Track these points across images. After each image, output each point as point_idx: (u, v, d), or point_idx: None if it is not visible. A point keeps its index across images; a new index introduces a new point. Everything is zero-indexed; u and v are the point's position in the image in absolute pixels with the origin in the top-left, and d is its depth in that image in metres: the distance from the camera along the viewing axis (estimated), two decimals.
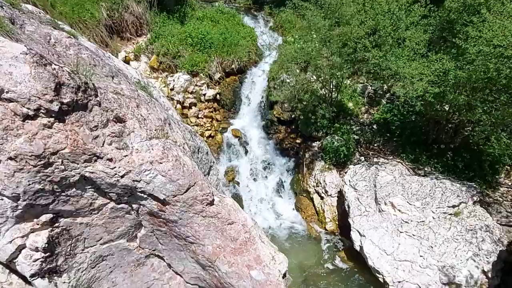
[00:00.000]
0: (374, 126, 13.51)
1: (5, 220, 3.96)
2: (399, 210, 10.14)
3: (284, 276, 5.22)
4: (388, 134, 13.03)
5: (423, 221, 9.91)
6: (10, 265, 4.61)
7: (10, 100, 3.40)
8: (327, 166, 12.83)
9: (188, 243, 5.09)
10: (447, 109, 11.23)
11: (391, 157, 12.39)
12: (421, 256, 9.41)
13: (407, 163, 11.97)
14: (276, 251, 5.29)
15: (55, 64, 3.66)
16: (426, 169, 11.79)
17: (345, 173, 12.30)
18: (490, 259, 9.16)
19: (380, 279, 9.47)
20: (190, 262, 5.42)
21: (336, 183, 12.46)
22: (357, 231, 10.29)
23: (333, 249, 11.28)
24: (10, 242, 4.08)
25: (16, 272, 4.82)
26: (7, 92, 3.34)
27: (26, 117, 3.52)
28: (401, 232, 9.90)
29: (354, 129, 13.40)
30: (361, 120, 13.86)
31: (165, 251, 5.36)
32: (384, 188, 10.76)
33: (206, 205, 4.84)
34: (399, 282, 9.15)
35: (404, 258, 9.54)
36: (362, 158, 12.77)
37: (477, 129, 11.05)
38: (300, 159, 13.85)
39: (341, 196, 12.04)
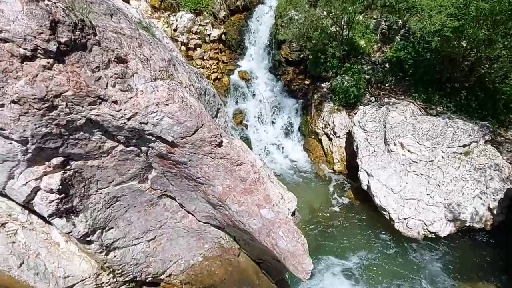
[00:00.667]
0: (387, 65, 13.01)
1: (17, 164, 4.01)
2: (408, 150, 10.11)
3: (293, 214, 5.35)
4: (400, 73, 12.59)
5: (432, 161, 9.90)
6: (28, 206, 4.79)
7: (5, 40, 3.23)
8: (336, 107, 12.63)
9: (198, 184, 5.17)
10: (464, 45, 10.66)
11: (403, 97, 12.09)
12: (427, 194, 9.55)
13: (419, 103, 11.70)
14: (285, 190, 5.37)
15: (48, 0, 3.42)
16: (438, 108, 11.53)
17: (355, 114, 12.13)
18: (497, 196, 9.27)
19: (386, 216, 9.75)
20: (201, 202, 5.56)
21: (345, 124, 12.35)
22: (365, 171, 10.38)
23: (340, 189, 11.51)
24: (25, 184, 4.17)
25: (35, 212, 5.02)
26: (1, 32, 3.17)
27: (24, 58, 3.38)
28: (409, 172, 9.97)
29: (365, 68, 12.94)
30: (373, 59, 13.32)
31: (177, 191, 5.47)
32: (394, 129, 10.63)
33: (215, 146, 4.81)
34: (404, 219, 9.41)
35: (411, 196, 9.70)
36: (373, 99, 12.49)
37: (495, 66, 10.58)
38: (309, 100, 13.62)
39: (349, 137, 12.00)
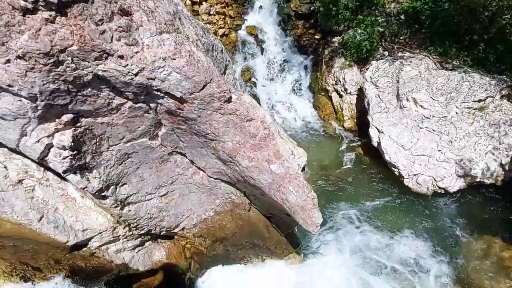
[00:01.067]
0: (402, 17, 12.40)
1: (28, 121, 4.04)
2: (421, 106, 9.90)
3: (303, 169, 5.38)
4: (416, 26, 12.02)
5: (445, 117, 9.72)
6: (43, 163, 4.89)
7: None
8: (347, 62, 12.27)
9: (208, 140, 5.17)
10: None
11: (418, 51, 11.64)
12: (439, 150, 9.48)
13: (434, 56, 11.27)
14: (295, 146, 5.36)
15: None
16: (454, 62, 11.12)
17: (367, 69, 11.79)
18: (510, 152, 9.15)
19: (395, 172, 9.78)
20: (212, 158, 5.60)
21: (356, 80, 12.07)
22: (376, 127, 10.28)
23: (350, 146, 11.49)
24: (38, 141, 4.23)
25: (50, 169, 5.14)
26: None
27: (25, 11, 3.28)
28: (421, 128, 9.84)
29: (379, 21, 12.37)
30: (388, 10, 12.68)
31: (187, 148, 5.51)
32: (408, 84, 10.35)
33: (224, 102, 4.75)
34: (414, 175, 9.43)
35: (422, 153, 9.65)
36: (386, 53, 12.06)
37: None
38: (319, 56, 13.23)
39: (360, 93, 11.76)
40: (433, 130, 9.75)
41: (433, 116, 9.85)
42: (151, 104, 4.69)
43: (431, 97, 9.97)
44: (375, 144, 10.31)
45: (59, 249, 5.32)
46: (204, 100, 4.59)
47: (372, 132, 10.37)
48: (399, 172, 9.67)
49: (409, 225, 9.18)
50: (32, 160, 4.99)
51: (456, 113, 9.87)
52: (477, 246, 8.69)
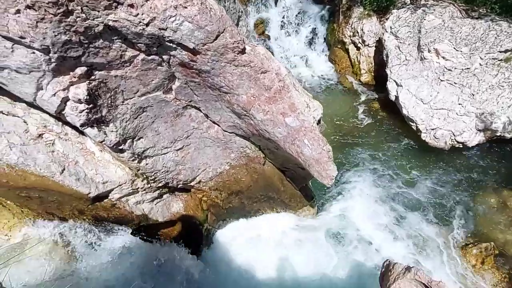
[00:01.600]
0: None
1: (43, 74, 4.03)
2: (443, 57, 9.47)
3: (318, 122, 5.31)
4: None
5: (468, 68, 9.30)
6: (61, 117, 4.96)
7: None
8: (366, 12, 11.65)
9: (222, 93, 5.11)
10: None
11: None
12: (459, 104, 9.19)
13: (459, 4, 10.56)
14: (311, 98, 5.25)
15: None
16: (481, 10, 10.42)
17: (387, 19, 11.20)
18: None
19: (413, 127, 9.60)
20: (226, 112, 5.57)
21: (375, 31, 11.52)
22: (394, 81, 9.95)
23: (366, 100, 11.25)
24: (54, 95, 4.25)
25: (68, 124, 5.22)
26: None
27: None
28: (441, 81, 9.48)
29: None
30: None
31: (201, 102, 5.47)
32: (430, 34, 9.83)
33: (238, 53, 4.62)
34: (432, 129, 9.24)
35: (441, 106, 9.38)
36: (408, 1, 11.36)
37: None
38: (336, 6, 12.58)
39: (379, 45, 11.28)
40: (455, 83, 9.39)
41: (455, 68, 9.43)
42: (163, 56, 4.60)
43: (454, 48, 9.48)
44: (393, 98, 10.04)
45: (82, 200, 5.54)
46: (217, 51, 4.47)
47: (390, 85, 10.07)
48: (416, 127, 9.49)
49: (424, 178, 9.17)
50: (50, 115, 5.06)
51: (480, 64, 9.41)
52: (492, 201, 8.67)
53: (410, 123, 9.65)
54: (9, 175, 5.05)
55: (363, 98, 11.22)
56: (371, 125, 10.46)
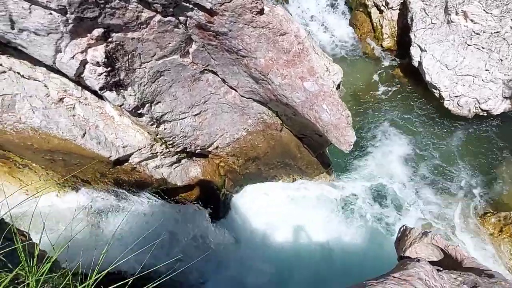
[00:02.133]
0: None
1: (61, 36, 4.03)
2: (472, 20, 8.95)
3: (338, 87, 5.19)
4: None
5: (497, 32, 8.79)
6: (80, 82, 5.01)
7: None
8: None
9: (240, 57, 5.02)
10: None
11: None
12: (486, 70, 8.78)
13: None
14: (331, 62, 5.10)
15: None
16: None
17: None
18: None
19: (436, 94, 9.29)
20: (243, 76, 5.49)
21: None
22: (418, 46, 9.53)
23: (388, 66, 10.87)
24: (72, 57, 4.26)
25: (87, 88, 5.27)
26: None
27: None
28: (468, 45, 9.02)
29: None
30: None
31: (218, 66, 5.40)
32: None
33: (256, 14, 4.47)
34: (456, 96, 8.93)
35: (467, 72, 8.99)
36: None
37: None
38: None
39: (403, 8, 10.72)
40: (482, 48, 8.92)
41: (484, 32, 8.93)
42: (180, 18, 4.50)
43: (484, 10, 8.93)
44: (416, 64, 9.66)
45: (103, 164, 5.69)
46: (235, 11, 4.34)
47: (414, 50, 9.66)
48: (439, 94, 9.17)
49: (446, 147, 8.98)
50: (70, 79, 5.10)
51: (511, 27, 8.87)
52: None
53: (433, 90, 9.32)
54: (33, 138, 5.21)
55: (384, 64, 10.83)
56: (392, 92, 10.16)
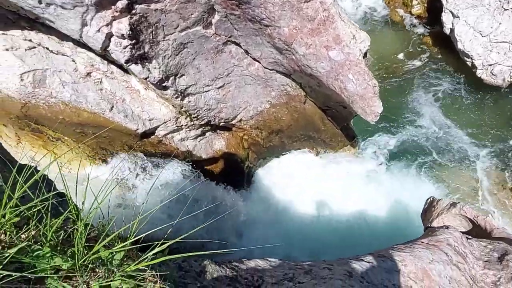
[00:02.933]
0: None
1: (86, 9, 4.07)
2: None
3: (364, 55, 5.03)
4: None
5: None
6: (106, 56, 5.08)
7: None
8: None
9: (263, 26, 4.92)
10: None
11: None
12: None
13: None
14: (357, 29, 4.92)
15: None
16: None
17: None
18: None
19: (468, 63, 8.86)
20: (267, 47, 5.40)
21: None
22: (450, 12, 9.03)
23: (417, 34, 10.39)
24: (98, 31, 4.31)
25: (113, 63, 5.35)
26: None
27: None
28: (505, 10, 8.47)
29: None
30: None
31: (241, 37, 5.33)
32: None
33: None
34: (489, 65, 8.48)
35: (502, 39, 8.49)
36: None
37: None
38: None
39: None
40: None
41: None
42: None
43: None
44: (447, 32, 9.19)
45: (131, 137, 5.85)
46: None
47: (445, 17, 9.16)
48: (472, 63, 8.73)
49: (477, 118, 8.63)
50: (96, 54, 5.19)
51: None
52: None
53: (465, 58, 8.87)
54: (64, 112, 5.39)
55: (413, 32, 10.34)
56: (421, 60, 9.74)
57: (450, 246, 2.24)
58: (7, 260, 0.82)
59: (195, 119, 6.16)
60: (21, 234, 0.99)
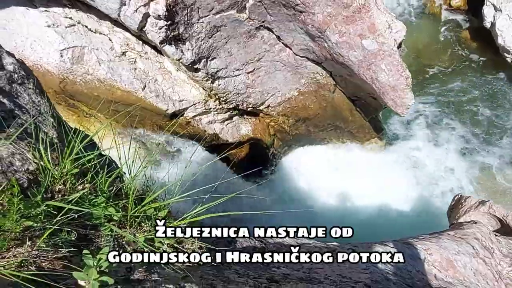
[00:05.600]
0: None
1: None
2: None
3: (399, 46, 4.91)
4: None
5: None
6: (141, 36, 5.22)
7: None
8: None
9: (297, 12, 4.89)
10: None
11: None
12: None
13: None
14: (393, 18, 4.80)
15: None
16: None
17: None
18: None
19: (508, 59, 8.47)
20: (299, 33, 5.38)
21: None
22: (492, 4, 8.61)
23: (456, 28, 9.97)
24: (136, 11, 4.43)
25: (147, 43, 5.49)
26: None
27: None
28: None
29: None
30: None
31: (274, 22, 5.32)
32: None
33: None
34: None
35: None
36: None
37: None
38: None
39: None
40: None
41: None
42: None
43: None
44: (488, 25, 8.78)
45: (161, 116, 6.01)
46: None
47: (487, 10, 8.74)
48: None
49: None
50: (132, 34, 5.34)
51: None
52: None
53: (505, 54, 8.47)
54: (99, 89, 5.60)
55: (452, 25, 9.91)
56: (458, 55, 9.36)
57: (478, 240, 2.22)
58: (70, 204, 0.91)
59: (223, 102, 6.25)
60: (78, 185, 1.10)
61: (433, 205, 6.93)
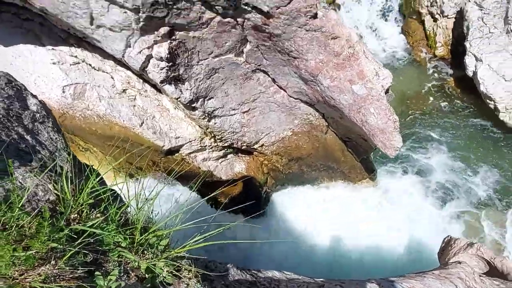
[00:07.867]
0: None
1: (132, 32, 4.46)
2: None
3: (386, 91, 5.21)
4: None
5: None
6: (142, 75, 5.46)
7: None
8: None
9: (291, 58, 5.21)
10: None
11: None
12: None
13: None
14: (381, 66, 5.13)
15: None
16: None
17: None
18: None
19: (490, 105, 8.91)
20: (293, 77, 5.67)
21: (456, 1, 10.58)
22: (474, 55, 9.20)
23: (440, 75, 10.55)
24: (140, 52, 4.69)
25: (147, 82, 5.73)
26: None
27: None
28: None
29: None
30: None
31: (270, 66, 5.62)
32: None
33: (310, 18, 4.65)
34: None
35: None
36: None
37: None
38: None
39: (459, 17, 10.39)
40: None
41: None
42: (238, 19, 4.78)
43: None
44: (470, 74, 9.31)
45: (156, 152, 6.13)
46: (290, 15, 4.54)
47: (468, 60, 9.31)
48: (494, 106, 8.78)
49: (497, 160, 8.56)
50: (134, 73, 5.58)
51: None
52: None
53: (488, 101, 8.93)
54: (98, 124, 5.74)
55: (436, 72, 10.50)
56: (443, 101, 9.84)
57: (461, 279, 2.30)
58: (87, 233, 1.01)
59: (219, 140, 6.41)
60: (90, 214, 1.19)
61: (426, 245, 6.98)
